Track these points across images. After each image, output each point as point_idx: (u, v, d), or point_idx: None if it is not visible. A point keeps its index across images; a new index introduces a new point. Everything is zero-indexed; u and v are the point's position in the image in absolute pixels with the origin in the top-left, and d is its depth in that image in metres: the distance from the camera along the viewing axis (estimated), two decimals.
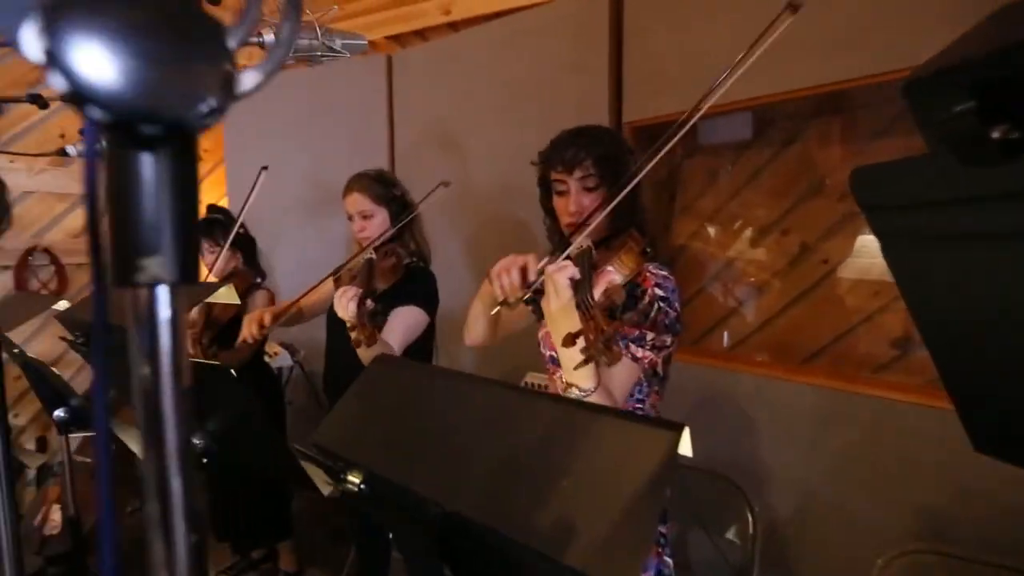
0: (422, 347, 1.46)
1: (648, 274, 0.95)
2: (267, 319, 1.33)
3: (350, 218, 1.45)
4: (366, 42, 0.88)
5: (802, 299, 1.82)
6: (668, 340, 0.93)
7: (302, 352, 2.58)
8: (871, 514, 1.34)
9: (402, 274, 1.38)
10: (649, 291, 0.92)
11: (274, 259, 2.81)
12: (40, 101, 1.04)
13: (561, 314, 0.77)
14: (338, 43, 0.84)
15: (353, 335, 1.14)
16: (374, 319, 1.13)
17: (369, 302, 1.14)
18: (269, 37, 0.67)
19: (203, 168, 3.22)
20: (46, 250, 2.52)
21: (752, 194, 1.91)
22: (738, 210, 1.93)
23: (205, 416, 0.90)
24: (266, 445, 0.86)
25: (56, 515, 1.95)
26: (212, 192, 3.24)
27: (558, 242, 1.03)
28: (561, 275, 0.78)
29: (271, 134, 2.76)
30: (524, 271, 0.86)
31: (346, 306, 1.13)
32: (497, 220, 2.20)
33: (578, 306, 0.73)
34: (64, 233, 2.62)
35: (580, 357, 0.70)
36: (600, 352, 0.67)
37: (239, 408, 0.84)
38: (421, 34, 2.73)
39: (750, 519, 1.29)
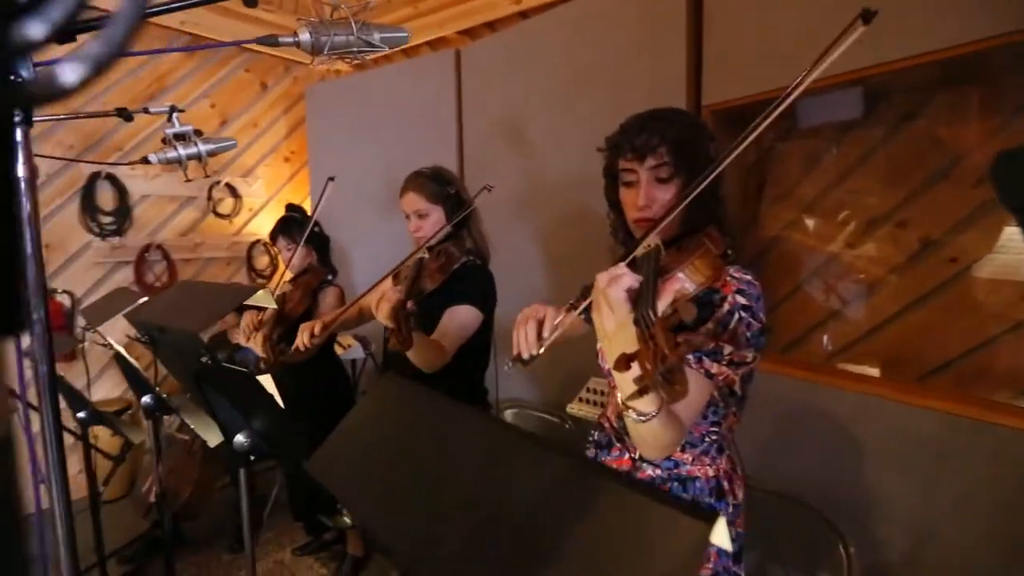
0: (477, 346, 1.42)
1: (728, 279, 0.82)
2: (317, 329, 1.33)
3: (407, 217, 1.45)
4: (407, 35, 0.83)
5: (922, 303, 1.55)
6: (749, 356, 0.79)
7: (374, 345, 2.67)
8: (1003, 567, 1.10)
9: (453, 273, 1.33)
10: (729, 298, 0.79)
11: (352, 256, 2.94)
12: (125, 114, 1.11)
13: (616, 332, 0.64)
14: (376, 37, 0.80)
15: (390, 339, 1.11)
16: (409, 322, 1.09)
17: (409, 304, 1.10)
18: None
19: (290, 169, 3.43)
20: (159, 247, 2.82)
21: (861, 180, 1.65)
22: (843, 198, 1.69)
23: (249, 416, 0.93)
24: (293, 438, 0.86)
25: (156, 486, 2.16)
26: (298, 192, 3.45)
27: (623, 239, 0.95)
28: (615, 288, 0.65)
29: (348, 135, 2.89)
30: (541, 325, 0.79)
31: (381, 308, 1.10)
32: (568, 213, 2.12)
33: (636, 322, 0.59)
34: (174, 232, 2.92)
35: (634, 387, 0.56)
36: (658, 385, 0.51)
37: (267, 407, 0.85)
38: (492, 26, 2.69)
39: (845, 561, 1.12)
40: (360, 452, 0.53)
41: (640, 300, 0.63)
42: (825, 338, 1.75)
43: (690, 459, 0.89)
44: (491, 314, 1.44)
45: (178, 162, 1.37)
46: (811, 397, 1.47)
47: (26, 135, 0.59)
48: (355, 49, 0.84)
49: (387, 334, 1.16)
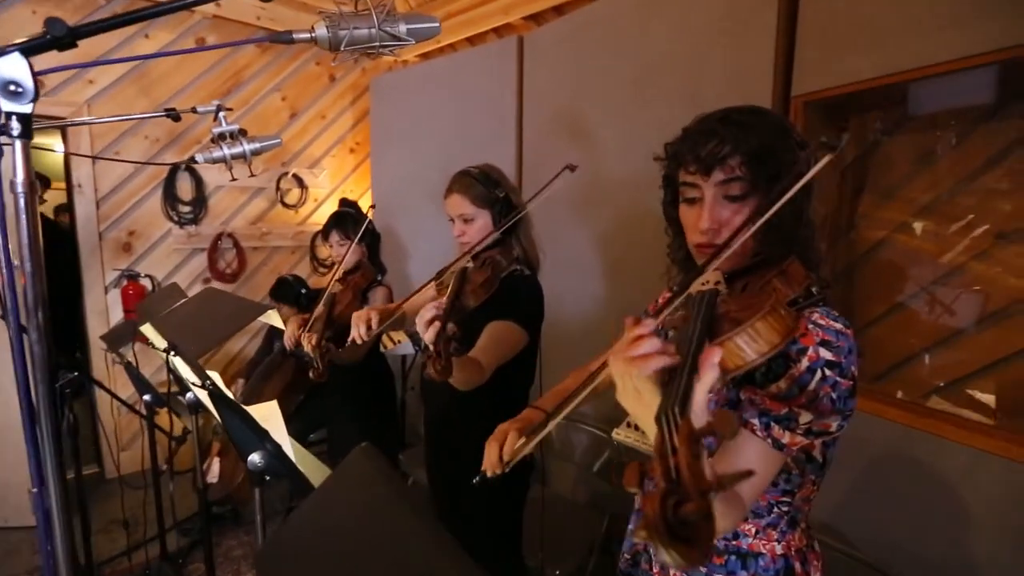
0: (520, 367, 1.34)
1: (811, 326, 0.67)
2: (374, 321, 1.30)
3: (451, 220, 1.38)
4: (437, 25, 0.76)
5: None
6: (833, 425, 0.66)
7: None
8: None
9: (498, 286, 1.25)
10: (810, 351, 0.65)
11: (410, 250, 2.97)
12: (173, 114, 1.13)
13: (639, 414, 0.52)
14: (402, 29, 0.73)
15: (427, 366, 1.03)
16: (449, 348, 1.01)
17: (451, 327, 1.03)
18: None
19: (354, 160, 3.51)
20: (230, 235, 2.99)
21: (991, 181, 1.39)
22: (965, 203, 1.43)
23: (262, 437, 0.92)
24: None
25: (216, 466, 2.30)
26: (361, 183, 3.53)
27: (682, 262, 0.82)
28: (641, 369, 0.50)
29: (409, 126, 2.90)
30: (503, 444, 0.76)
31: (423, 327, 1.03)
32: (631, 214, 1.98)
33: (657, 419, 0.42)
34: (245, 221, 3.09)
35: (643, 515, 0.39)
36: (660, 536, 0.34)
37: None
38: (559, 10, 2.57)
39: None
40: (308, 541, 0.49)
41: (671, 385, 0.46)
42: (926, 357, 1.50)
43: (753, 531, 0.77)
44: (538, 331, 1.36)
45: (223, 161, 1.40)
46: (903, 443, 1.26)
47: (26, 149, 0.58)
48: (378, 44, 0.77)
49: (423, 353, 1.09)
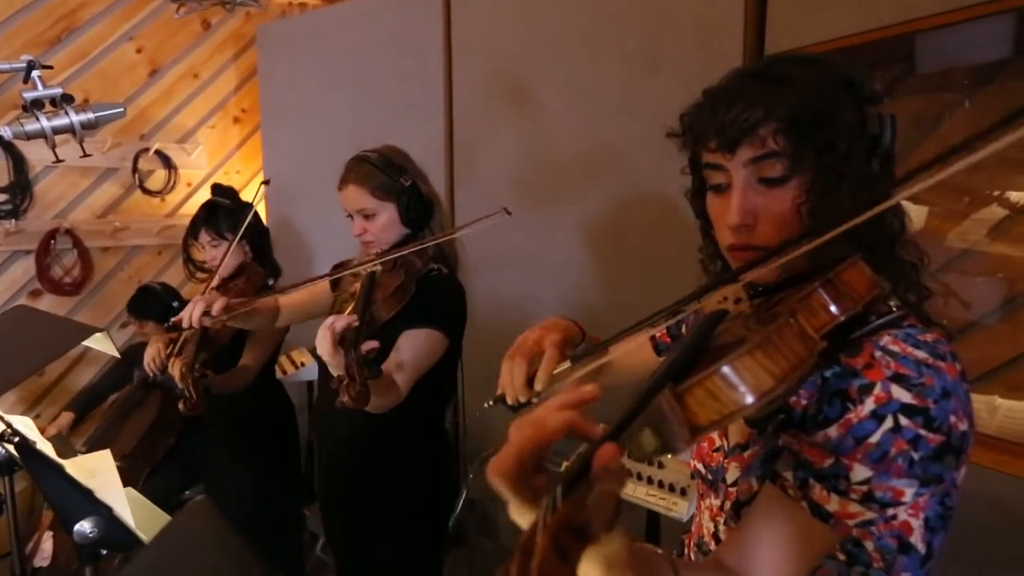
0: (439, 377, 1.35)
1: (879, 354, 0.58)
2: (217, 307, 1.26)
3: (349, 216, 1.38)
4: None
5: None
6: (907, 493, 0.56)
7: None
8: None
9: (413, 292, 1.27)
10: (877, 390, 0.56)
11: (312, 243, 2.82)
12: None
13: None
14: None
15: (338, 394, 1.03)
16: (364, 372, 1.02)
17: (367, 346, 1.05)
18: None
19: (240, 133, 3.31)
20: (69, 232, 2.72)
21: (1009, 148, 1.41)
22: (981, 174, 1.45)
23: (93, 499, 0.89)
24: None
25: (48, 544, 2.07)
26: (250, 162, 3.32)
27: (720, 270, 0.76)
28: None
29: (310, 89, 2.76)
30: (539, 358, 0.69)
31: (328, 347, 1.03)
32: (586, 198, 1.94)
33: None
34: (89, 212, 2.83)
35: None
36: None
37: None
38: None
39: None
40: None
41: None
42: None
43: None
44: (459, 337, 1.39)
45: (41, 136, 1.26)
46: None
47: None
48: None
49: (330, 380, 1.09)
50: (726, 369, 0.44)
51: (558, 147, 2.01)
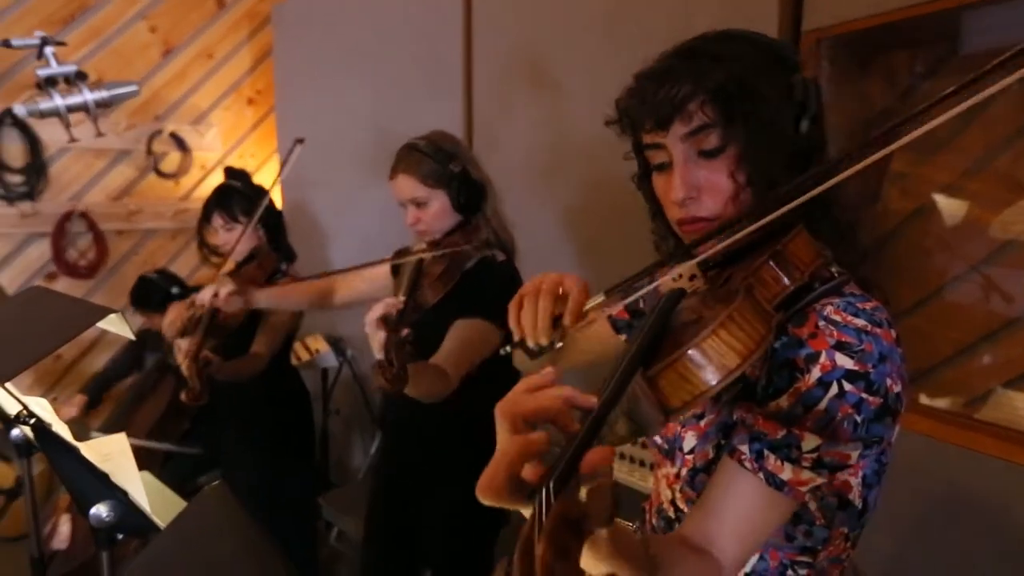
0: (493, 372, 1.35)
1: (822, 323, 0.63)
2: (224, 293, 1.34)
3: (402, 206, 1.40)
4: None
5: None
6: (853, 455, 0.61)
7: (351, 350, 2.55)
8: None
9: (464, 275, 1.31)
10: (823, 358, 0.60)
11: (329, 230, 2.83)
12: None
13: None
14: None
15: (375, 376, 1.07)
16: (402, 355, 1.05)
17: (404, 331, 1.08)
18: None
19: (255, 115, 3.32)
20: (84, 215, 2.76)
21: None
22: (1020, 162, 1.42)
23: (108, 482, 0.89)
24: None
25: (66, 528, 2.12)
26: (264, 146, 3.34)
27: (674, 251, 0.78)
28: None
29: (327, 71, 2.76)
30: (562, 300, 0.72)
31: (372, 330, 1.08)
32: (605, 181, 1.92)
33: (532, 498, 0.44)
34: (104, 195, 2.86)
35: None
36: None
37: None
38: None
39: None
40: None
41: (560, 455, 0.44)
42: (973, 369, 1.49)
43: None
44: None
45: (56, 115, 1.29)
46: (943, 463, 1.24)
47: None
48: None
49: (374, 365, 1.13)
50: (693, 351, 0.47)
51: (579, 130, 1.98)
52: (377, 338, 1.06)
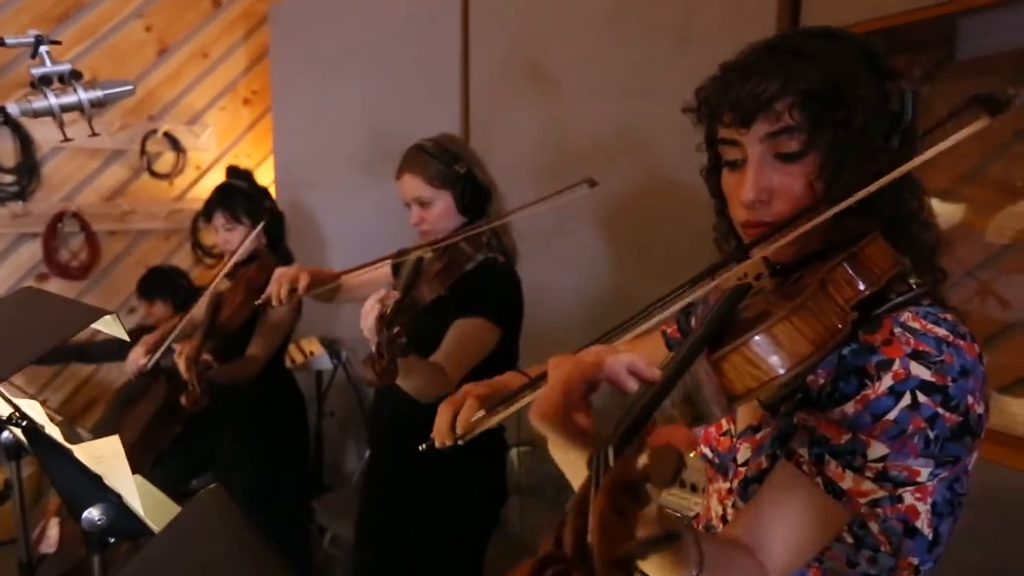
0: (494, 370, 1.36)
1: (898, 330, 0.59)
2: (303, 283, 1.32)
3: (406, 205, 1.43)
4: None
5: None
6: (923, 473, 0.57)
7: (345, 353, 2.56)
8: None
9: (464, 275, 1.31)
10: (896, 366, 0.56)
11: (325, 230, 2.83)
12: None
13: (565, 470, 0.50)
14: None
15: (365, 368, 1.08)
16: (393, 349, 1.05)
17: (396, 329, 1.08)
18: None
19: (250, 115, 3.32)
20: (76, 215, 2.76)
21: None
22: (1016, 167, 1.43)
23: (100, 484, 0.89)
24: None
25: (55, 531, 2.12)
26: (260, 146, 3.34)
27: (734, 251, 0.76)
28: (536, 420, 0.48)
29: (323, 71, 2.76)
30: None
31: (368, 323, 1.08)
32: (605, 184, 1.92)
33: (589, 464, 0.40)
34: (96, 195, 2.86)
35: None
36: None
37: None
38: None
39: None
40: None
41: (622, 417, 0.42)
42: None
43: None
44: (515, 329, 1.43)
45: (49, 114, 1.29)
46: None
47: None
48: None
49: (364, 359, 1.15)
50: (763, 335, 0.46)
51: (578, 130, 1.99)
52: (368, 325, 1.07)
